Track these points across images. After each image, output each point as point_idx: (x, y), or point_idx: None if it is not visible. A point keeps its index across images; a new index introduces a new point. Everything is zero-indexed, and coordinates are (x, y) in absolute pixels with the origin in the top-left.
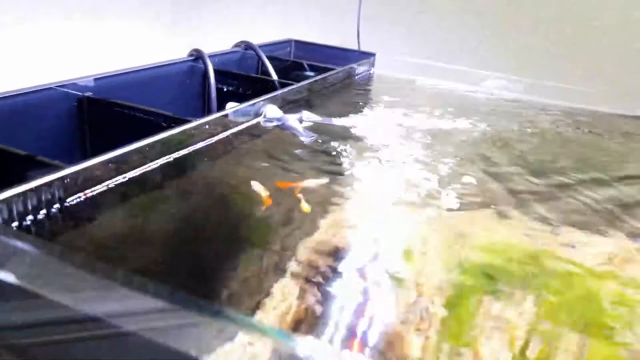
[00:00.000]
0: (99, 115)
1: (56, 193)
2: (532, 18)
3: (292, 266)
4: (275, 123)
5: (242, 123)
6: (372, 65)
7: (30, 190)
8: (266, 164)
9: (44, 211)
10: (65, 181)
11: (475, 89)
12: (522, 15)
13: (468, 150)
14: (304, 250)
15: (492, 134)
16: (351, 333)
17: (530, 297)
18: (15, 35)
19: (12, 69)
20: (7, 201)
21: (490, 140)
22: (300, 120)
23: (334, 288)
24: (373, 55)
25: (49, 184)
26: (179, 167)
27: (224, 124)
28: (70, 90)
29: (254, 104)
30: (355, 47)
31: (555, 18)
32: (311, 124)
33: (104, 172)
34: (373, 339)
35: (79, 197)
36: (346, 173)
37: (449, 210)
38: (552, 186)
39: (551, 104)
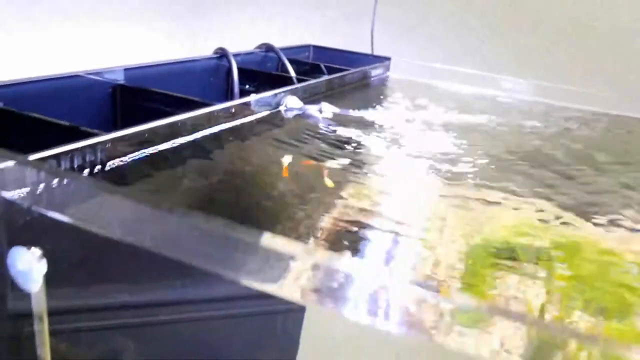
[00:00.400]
0: (131, 101)
1: (98, 155)
2: (548, 20)
3: (319, 228)
4: (296, 112)
5: (265, 111)
6: (388, 69)
7: (77, 149)
8: (289, 147)
9: (87, 170)
10: (107, 146)
11: (492, 91)
12: (534, 18)
13: (487, 139)
14: (328, 217)
15: (508, 126)
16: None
17: (546, 270)
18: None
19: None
20: (57, 157)
21: (508, 131)
22: (320, 111)
23: (354, 255)
24: (389, 59)
25: (92, 147)
26: (207, 144)
27: (248, 110)
28: (104, 79)
29: (276, 94)
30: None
31: (571, 20)
32: (330, 114)
33: (139, 142)
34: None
35: (118, 161)
36: (366, 155)
37: (467, 188)
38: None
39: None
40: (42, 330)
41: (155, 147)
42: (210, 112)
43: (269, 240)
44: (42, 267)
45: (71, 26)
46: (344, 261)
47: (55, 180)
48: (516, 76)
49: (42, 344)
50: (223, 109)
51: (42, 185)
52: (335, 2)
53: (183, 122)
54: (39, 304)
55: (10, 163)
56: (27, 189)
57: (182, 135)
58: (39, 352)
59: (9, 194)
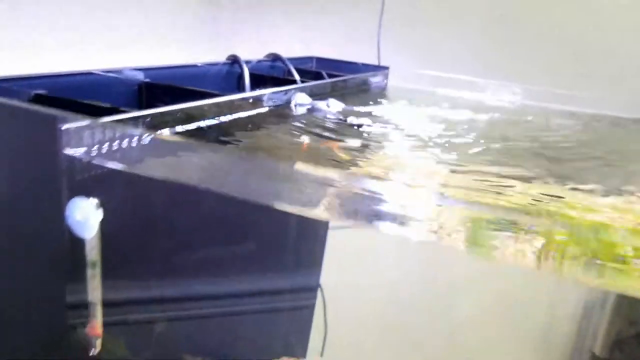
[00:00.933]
0: (156, 97)
1: (141, 127)
2: (544, 27)
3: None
4: (305, 107)
5: (276, 106)
6: (386, 77)
7: (123, 120)
8: (303, 133)
9: (127, 140)
10: (147, 119)
11: (489, 95)
12: (533, 25)
13: (485, 129)
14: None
15: (504, 121)
16: None
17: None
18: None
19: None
20: (105, 125)
21: (502, 124)
22: (328, 106)
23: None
24: (387, 68)
25: (135, 119)
26: (226, 127)
27: (261, 105)
28: (127, 77)
29: (286, 91)
30: (369, 62)
31: (566, 26)
32: (338, 109)
33: (172, 119)
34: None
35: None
36: (375, 138)
37: (469, 165)
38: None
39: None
40: (95, 276)
41: (184, 126)
42: (230, 100)
43: (306, 167)
44: (98, 215)
45: (95, 33)
46: (372, 181)
47: (130, 139)
48: (509, 81)
49: (93, 289)
50: (241, 98)
51: (107, 144)
52: (340, 14)
53: (208, 106)
54: (93, 250)
55: (79, 124)
56: (95, 147)
57: (206, 118)
58: (90, 298)
59: (73, 151)
